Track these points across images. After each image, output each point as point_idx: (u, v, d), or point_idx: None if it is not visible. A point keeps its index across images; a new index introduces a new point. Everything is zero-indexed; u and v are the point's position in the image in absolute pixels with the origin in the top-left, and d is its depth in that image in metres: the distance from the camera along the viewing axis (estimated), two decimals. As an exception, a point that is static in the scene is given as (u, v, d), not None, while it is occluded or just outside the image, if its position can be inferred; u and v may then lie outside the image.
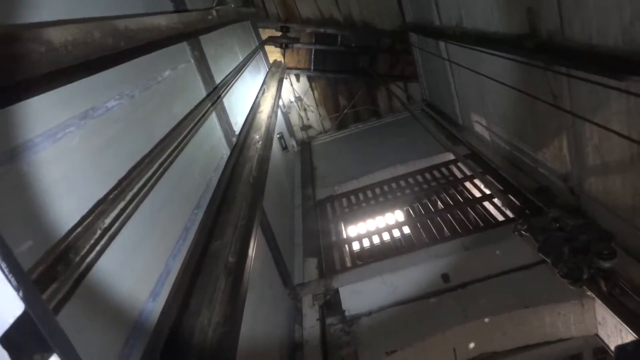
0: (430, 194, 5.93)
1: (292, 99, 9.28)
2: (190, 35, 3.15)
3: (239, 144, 3.60)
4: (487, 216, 5.02)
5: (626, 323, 3.34)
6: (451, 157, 6.75)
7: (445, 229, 5.06)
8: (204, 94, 3.60)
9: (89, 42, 1.53)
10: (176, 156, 2.61)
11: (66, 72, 1.37)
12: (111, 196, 1.77)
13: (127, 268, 1.81)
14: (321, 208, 6.32)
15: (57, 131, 1.61)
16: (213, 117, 3.67)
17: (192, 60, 3.55)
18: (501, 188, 5.26)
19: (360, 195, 6.48)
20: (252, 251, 2.28)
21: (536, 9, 4.07)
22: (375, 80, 9.28)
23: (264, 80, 6.50)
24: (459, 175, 6.16)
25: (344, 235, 5.65)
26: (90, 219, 1.66)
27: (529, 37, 4.22)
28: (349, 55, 9.12)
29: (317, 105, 9.50)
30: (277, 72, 7.35)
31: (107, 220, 1.75)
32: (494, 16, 4.98)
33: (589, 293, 3.65)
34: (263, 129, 4.10)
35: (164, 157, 2.39)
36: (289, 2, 8.73)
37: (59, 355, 0.85)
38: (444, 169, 6.46)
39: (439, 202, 5.67)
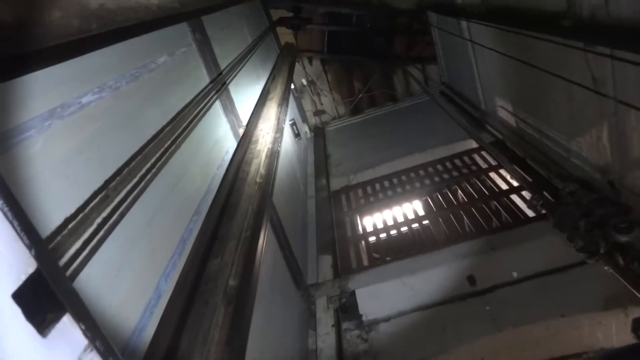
0: (452, 186, 5.55)
1: (305, 83, 8.89)
2: (188, 15, 2.80)
3: (246, 137, 3.27)
4: (516, 211, 4.64)
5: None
6: (473, 144, 6.36)
7: (469, 225, 4.70)
8: (207, 81, 3.26)
9: (45, 23, 1.19)
10: (171, 155, 2.28)
11: (6, 64, 1.04)
12: (83, 213, 1.46)
13: (106, 297, 1.50)
14: (336, 199, 5.99)
15: (10, 136, 1.29)
16: (217, 107, 3.34)
17: (194, 44, 3.20)
18: (530, 180, 4.87)
19: (377, 186, 6.13)
20: (257, 268, 1.96)
21: (576, -18, 3.64)
22: (392, 62, 8.85)
23: (275, 65, 6.13)
24: (482, 165, 5.77)
25: (360, 230, 5.32)
26: (57, 240, 1.35)
27: (566, 15, 3.80)
28: (364, 37, 8.67)
29: (330, 89, 9.10)
30: (289, 55, 6.96)
31: (79, 241, 1.44)
32: (524, -9, 4.54)
33: (606, 267, 3.34)
34: (273, 118, 3.75)
35: (155, 157, 2.07)
36: (301, -20, 8.29)
37: (72, 316, 0.87)
38: (466, 158, 6.06)
39: (462, 195, 5.30)
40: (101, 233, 1.54)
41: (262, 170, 2.76)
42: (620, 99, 3.42)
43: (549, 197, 4.35)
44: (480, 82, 6.89)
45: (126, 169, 1.78)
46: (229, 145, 3.32)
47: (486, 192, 5.12)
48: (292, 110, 7.51)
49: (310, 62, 8.88)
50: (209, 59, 3.34)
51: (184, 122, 2.51)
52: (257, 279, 1.92)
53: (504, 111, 6.23)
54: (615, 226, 3.19)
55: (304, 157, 7.58)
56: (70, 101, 1.56)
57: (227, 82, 3.52)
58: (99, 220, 1.53)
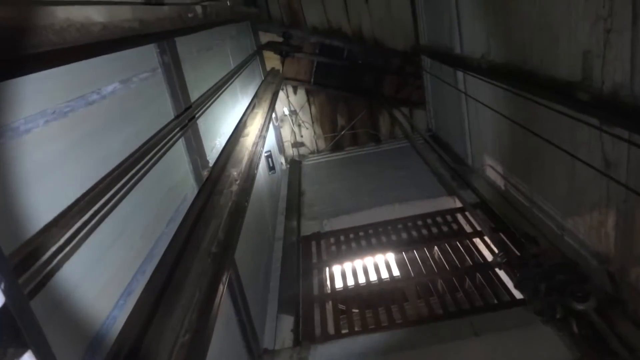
0: (432, 248, 5.11)
1: (287, 112, 8.44)
2: (151, 37, 2.30)
3: (208, 185, 2.75)
4: (503, 290, 4.20)
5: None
6: (458, 203, 5.97)
7: (450, 299, 4.23)
8: (172, 115, 2.74)
9: None
10: (105, 216, 1.75)
11: None
12: None
13: None
14: (305, 246, 5.47)
15: None
16: (180, 145, 2.82)
17: (160, 69, 2.69)
18: (518, 254, 4.47)
19: (352, 236, 5.65)
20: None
21: (596, 54, 3.30)
22: (379, 102, 8.50)
23: (256, 93, 5.66)
24: (467, 228, 5.36)
25: (328, 288, 4.79)
26: None
27: (581, 86, 3.45)
28: (354, 72, 8.32)
29: (312, 122, 8.67)
30: (273, 82, 6.51)
31: None
32: (533, 52, 4.21)
33: (561, 333, 3.43)
34: (245, 161, 3.24)
35: (79, 224, 1.54)
36: (295, 7, 7.92)
37: (34, 352, 0.85)
38: (449, 217, 5.66)
39: (443, 261, 4.84)
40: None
41: (220, 234, 2.24)
42: (634, 188, 3.04)
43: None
44: (470, 137, 6.56)
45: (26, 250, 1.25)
46: (188, 191, 2.79)
47: (469, 261, 4.68)
48: (269, 141, 7.02)
49: (295, 92, 8.45)
50: (178, 87, 2.84)
51: (131, 170, 1.98)
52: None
53: (493, 171, 5.88)
54: (573, 293, 3.29)
55: (277, 191, 7.07)
56: None
57: (197, 115, 3.02)
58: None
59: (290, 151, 8.77)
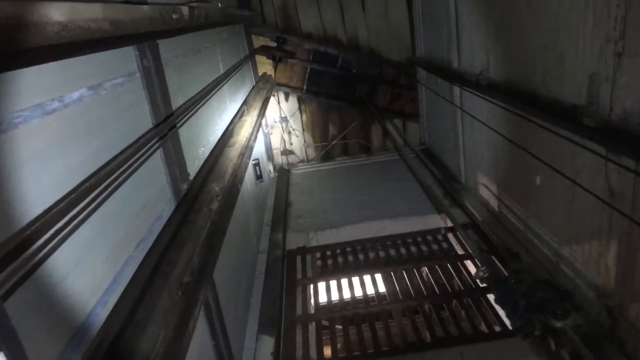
0: (422, 268, 4.92)
1: (277, 119, 8.23)
2: (127, 40, 2.08)
3: (186, 202, 2.52)
4: (495, 317, 4.03)
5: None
6: (449, 222, 5.79)
7: (440, 326, 4.04)
8: (150, 124, 2.52)
9: None
10: (62, 241, 1.53)
11: None
12: None
13: None
14: (290, 261, 5.25)
15: None
16: (158, 157, 2.59)
17: (139, 73, 2.47)
18: (505, 272, 4.28)
19: (338, 252, 5.44)
20: None
21: (604, 77, 3.13)
22: (372, 113, 8.32)
23: (246, 99, 5.44)
24: (458, 249, 5.18)
25: (312, 308, 4.57)
26: None
27: (586, 111, 3.28)
28: (348, 81, 8.13)
29: (303, 130, 8.46)
30: (264, 89, 6.29)
31: None
32: (535, 71, 4.05)
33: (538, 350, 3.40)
34: (228, 174, 3.02)
35: (30, 251, 1.31)
36: (290, 11, 7.73)
37: (5, 355, 0.90)
38: (439, 236, 5.47)
39: (433, 284, 4.65)
40: None
41: (195, 261, 2.01)
42: (639, 221, 2.87)
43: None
44: (464, 153, 6.40)
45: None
46: (164, 207, 2.55)
47: (460, 285, 4.50)
48: (257, 148, 6.79)
49: (287, 98, 8.24)
50: (158, 94, 2.61)
51: (98, 187, 1.75)
52: None
53: (486, 191, 5.71)
54: (552, 311, 3.23)
55: (263, 201, 6.83)
56: None
57: (178, 124, 2.79)
58: None
59: (279, 159, 8.55)
